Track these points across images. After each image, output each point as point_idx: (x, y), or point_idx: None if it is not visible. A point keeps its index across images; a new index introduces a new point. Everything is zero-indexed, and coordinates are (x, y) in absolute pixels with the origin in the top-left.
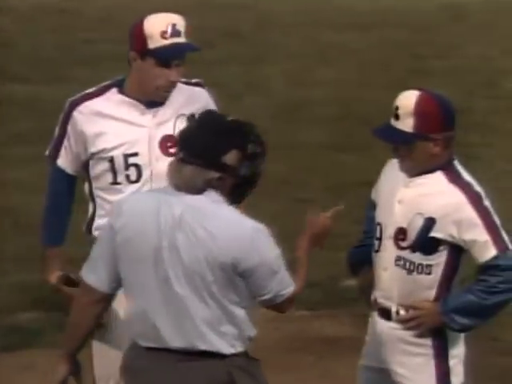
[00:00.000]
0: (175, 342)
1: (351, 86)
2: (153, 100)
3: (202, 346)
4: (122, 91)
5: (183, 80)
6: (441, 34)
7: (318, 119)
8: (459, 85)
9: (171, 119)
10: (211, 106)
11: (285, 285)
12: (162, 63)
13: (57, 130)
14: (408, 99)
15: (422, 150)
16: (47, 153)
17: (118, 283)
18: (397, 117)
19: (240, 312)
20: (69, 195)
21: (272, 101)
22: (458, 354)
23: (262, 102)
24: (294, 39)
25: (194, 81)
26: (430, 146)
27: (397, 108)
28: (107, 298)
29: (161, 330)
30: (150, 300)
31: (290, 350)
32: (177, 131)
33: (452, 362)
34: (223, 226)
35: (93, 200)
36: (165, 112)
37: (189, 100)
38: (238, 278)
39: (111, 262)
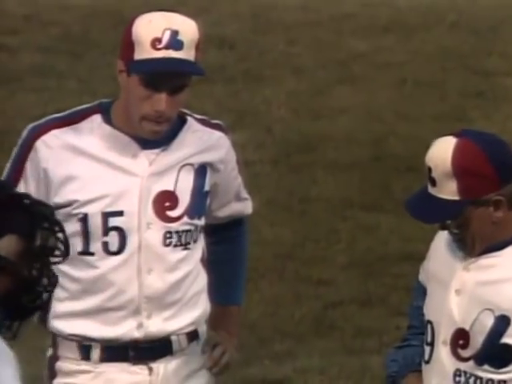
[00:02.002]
0: None
1: (386, 117)
2: (145, 136)
3: None
4: (107, 120)
5: (199, 117)
6: None
7: (337, 165)
8: None
9: (173, 169)
10: (231, 160)
11: None
12: (149, 83)
13: (8, 168)
14: (442, 155)
15: (479, 221)
16: None
17: None
18: (433, 182)
19: None
20: None
21: (273, 138)
22: None
23: (259, 140)
24: (303, 48)
25: (214, 122)
26: (489, 212)
27: (430, 169)
28: None
29: None
30: None
31: None
32: (178, 187)
33: None
34: None
35: None
36: (167, 157)
37: (203, 146)
38: None
39: None
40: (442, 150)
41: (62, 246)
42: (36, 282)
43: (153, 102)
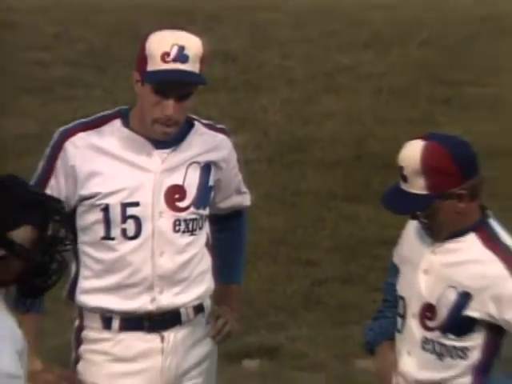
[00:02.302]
0: None
1: (364, 122)
2: (157, 138)
3: None
4: (126, 124)
5: (205, 122)
6: (478, 54)
7: (323, 162)
8: (503, 119)
9: (182, 166)
10: (232, 159)
11: None
12: (159, 91)
13: (41, 165)
14: (412, 154)
15: (445, 212)
16: None
17: None
18: (404, 178)
19: None
20: None
21: (268, 140)
22: None
23: (256, 141)
24: (295, 61)
25: (218, 126)
26: (453, 204)
27: (401, 168)
28: None
29: None
30: None
31: None
32: (186, 182)
33: None
34: None
35: (76, 258)
36: (176, 156)
37: (208, 147)
38: None
39: None
40: (412, 152)
41: (63, 234)
42: (47, 266)
43: (162, 108)
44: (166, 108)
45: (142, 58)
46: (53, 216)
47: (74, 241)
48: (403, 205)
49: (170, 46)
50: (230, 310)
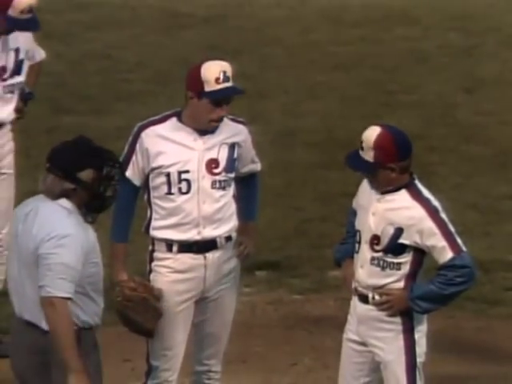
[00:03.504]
0: (16, 309)
1: (334, 117)
2: (204, 129)
3: (27, 316)
4: (180, 120)
5: (231, 117)
6: (407, 74)
7: (308, 143)
8: (422, 116)
9: (216, 146)
10: (248, 141)
11: (53, 285)
12: (216, 103)
13: (126, 148)
14: (370, 135)
15: (383, 176)
16: None
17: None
18: (362, 148)
19: None
20: (134, 201)
21: (271, 128)
22: (421, 329)
23: (263, 130)
24: (289, 78)
25: (239, 119)
26: (388, 173)
27: (362, 141)
28: None
29: (13, 301)
30: (11, 278)
31: (285, 327)
32: (219, 156)
33: (417, 336)
34: (42, 224)
35: (150, 206)
36: (212, 140)
37: (232, 133)
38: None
39: None
40: (371, 132)
41: (114, 173)
42: (102, 194)
43: (218, 112)
44: (220, 112)
45: (198, 81)
46: (107, 162)
47: (121, 177)
48: (357, 165)
49: (219, 71)
50: (249, 239)
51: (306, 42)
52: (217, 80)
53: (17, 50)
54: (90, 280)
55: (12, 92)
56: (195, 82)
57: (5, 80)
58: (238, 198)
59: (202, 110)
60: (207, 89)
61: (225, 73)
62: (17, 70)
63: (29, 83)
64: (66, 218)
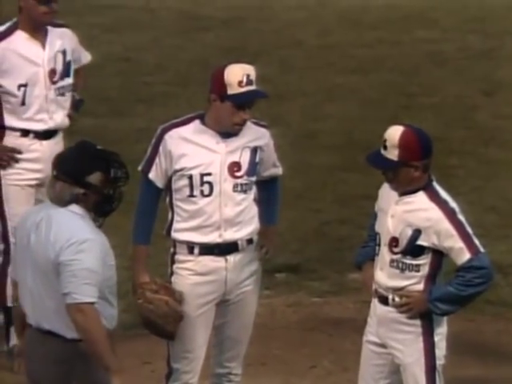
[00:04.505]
0: (32, 320)
1: (354, 119)
2: (227, 132)
3: (47, 326)
4: (203, 123)
5: (253, 120)
6: (427, 76)
7: (328, 146)
8: (441, 118)
9: (239, 149)
10: (270, 145)
11: (79, 292)
12: (239, 106)
13: (149, 150)
14: (394, 133)
15: (405, 175)
16: (140, 168)
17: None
18: (385, 147)
19: None
20: (156, 203)
21: (290, 131)
22: (441, 332)
23: (283, 132)
24: (308, 81)
25: (261, 123)
26: (412, 171)
27: (385, 140)
28: None
29: (27, 311)
30: (23, 287)
31: (305, 330)
32: (242, 159)
33: (437, 338)
34: (59, 231)
35: (172, 209)
36: (235, 143)
37: (255, 137)
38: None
39: None
40: (395, 131)
41: (121, 175)
42: (111, 196)
43: (241, 115)
44: (243, 116)
45: (221, 84)
46: (113, 164)
47: (127, 178)
48: (380, 163)
49: (242, 75)
50: (270, 242)
51: (325, 44)
52: (240, 83)
53: (64, 52)
54: (108, 283)
55: (63, 94)
56: (218, 85)
57: (55, 83)
58: (259, 201)
59: (225, 113)
60: (230, 92)
61: (248, 76)
62: (66, 72)
63: (77, 88)
64: (82, 223)
